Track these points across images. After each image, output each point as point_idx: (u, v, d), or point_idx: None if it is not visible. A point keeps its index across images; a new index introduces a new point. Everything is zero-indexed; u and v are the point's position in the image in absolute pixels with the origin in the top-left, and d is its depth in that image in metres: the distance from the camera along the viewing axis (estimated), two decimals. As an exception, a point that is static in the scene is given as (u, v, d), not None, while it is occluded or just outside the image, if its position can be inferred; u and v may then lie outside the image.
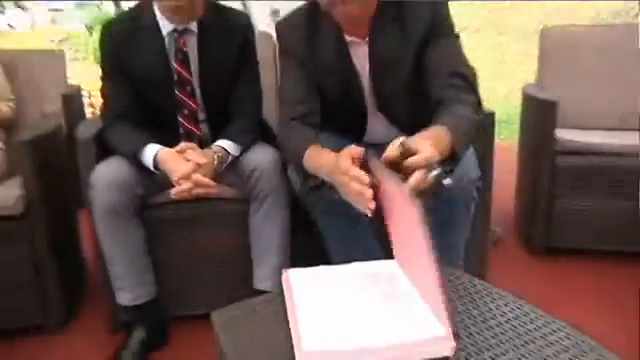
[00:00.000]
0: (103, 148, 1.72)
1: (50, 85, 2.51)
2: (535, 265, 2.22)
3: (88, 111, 3.67)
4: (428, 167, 1.04)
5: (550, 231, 2.23)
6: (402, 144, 1.06)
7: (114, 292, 1.72)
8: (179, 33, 1.70)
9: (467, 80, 1.41)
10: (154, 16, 1.69)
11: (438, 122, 1.23)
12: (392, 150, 1.08)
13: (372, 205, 1.06)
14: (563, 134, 2.17)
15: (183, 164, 1.56)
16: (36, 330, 1.83)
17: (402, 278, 1.10)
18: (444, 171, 1.10)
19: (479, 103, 1.42)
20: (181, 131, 1.76)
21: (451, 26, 1.49)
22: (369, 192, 1.07)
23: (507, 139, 3.89)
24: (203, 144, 1.72)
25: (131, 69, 1.71)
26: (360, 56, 1.52)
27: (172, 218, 1.75)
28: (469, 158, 1.48)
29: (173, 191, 1.57)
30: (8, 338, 1.79)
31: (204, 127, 1.80)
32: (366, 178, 1.09)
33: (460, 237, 1.54)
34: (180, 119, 1.75)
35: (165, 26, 1.69)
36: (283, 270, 1.16)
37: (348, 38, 1.51)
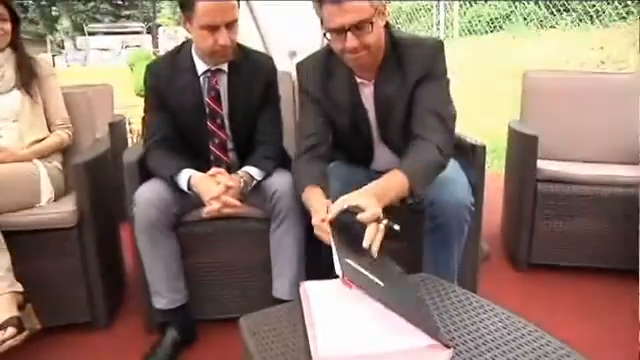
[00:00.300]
0: (145, 170, 1.74)
1: (100, 114, 2.56)
2: (519, 279, 2.21)
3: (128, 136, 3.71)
4: (377, 220, 1.15)
5: (532, 249, 2.22)
6: (349, 206, 1.18)
7: (151, 297, 1.72)
8: (212, 73, 1.72)
9: (442, 120, 1.43)
10: (191, 58, 1.71)
11: (401, 165, 1.31)
12: (334, 212, 1.19)
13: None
14: (544, 165, 2.18)
15: (214, 187, 1.57)
16: (82, 328, 1.84)
17: None
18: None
19: (450, 142, 1.44)
20: (212, 158, 1.77)
21: (443, 70, 1.50)
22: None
23: (493, 168, 3.89)
24: (231, 169, 1.73)
25: (170, 103, 1.72)
26: (368, 95, 1.55)
27: (203, 234, 1.75)
28: (463, 186, 1.48)
29: (205, 210, 1.57)
30: (58, 333, 1.79)
31: (232, 154, 1.81)
32: (328, 235, 1.17)
33: (455, 256, 1.53)
34: (211, 147, 1.77)
35: (200, 67, 1.71)
36: (300, 282, 1.16)
37: (358, 80, 1.53)
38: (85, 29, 24.95)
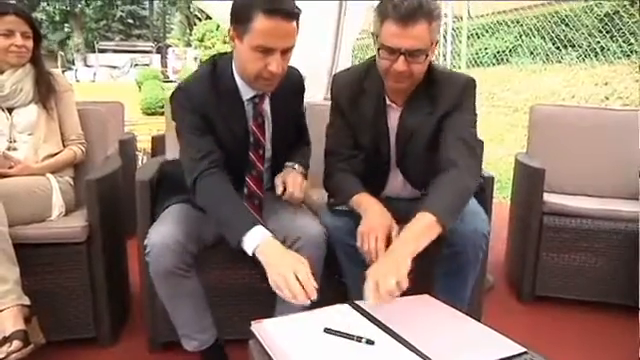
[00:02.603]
0: (156, 188, 1.72)
1: (111, 131, 2.58)
2: (523, 310, 2.21)
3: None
4: None
5: (536, 281, 2.22)
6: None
7: (180, 338, 1.60)
8: (259, 98, 1.54)
9: (470, 147, 1.44)
10: (234, 81, 1.51)
11: (428, 205, 1.30)
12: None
13: None
14: (550, 198, 2.20)
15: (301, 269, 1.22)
16: (86, 344, 1.82)
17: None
18: None
19: (479, 168, 1.47)
20: (245, 191, 1.58)
21: (472, 106, 1.53)
22: None
23: (496, 197, 3.90)
24: (262, 205, 1.58)
25: (217, 129, 1.50)
26: (394, 119, 1.57)
27: (216, 255, 1.67)
28: (480, 215, 1.49)
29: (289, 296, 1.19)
30: (62, 348, 1.77)
31: (264, 187, 1.64)
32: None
33: (468, 284, 1.53)
34: (247, 179, 1.57)
35: (245, 91, 1.51)
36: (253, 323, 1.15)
37: (388, 102, 1.55)
38: (96, 46, 25.39)
